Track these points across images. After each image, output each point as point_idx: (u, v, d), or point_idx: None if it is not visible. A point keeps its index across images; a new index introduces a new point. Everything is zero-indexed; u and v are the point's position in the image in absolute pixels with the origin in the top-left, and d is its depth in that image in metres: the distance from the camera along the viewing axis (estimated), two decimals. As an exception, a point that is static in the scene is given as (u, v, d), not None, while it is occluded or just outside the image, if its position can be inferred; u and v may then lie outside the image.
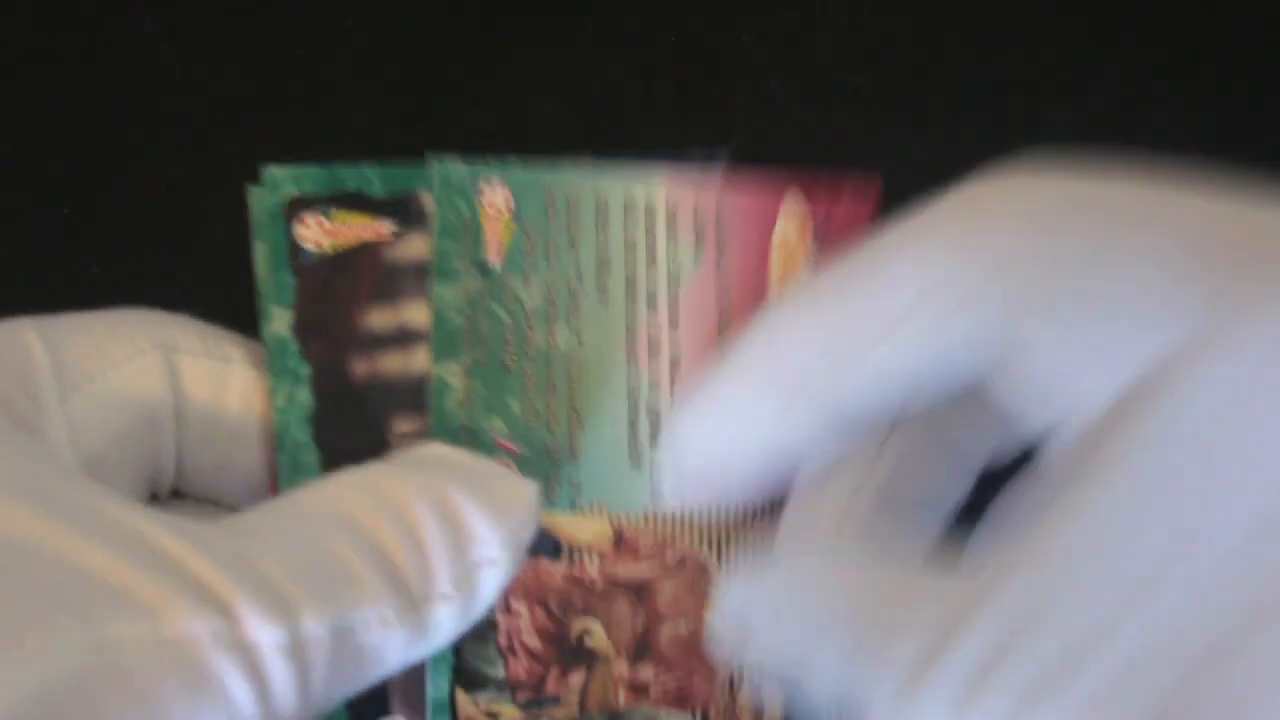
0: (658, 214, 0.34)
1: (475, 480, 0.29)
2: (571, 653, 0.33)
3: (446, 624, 0.28)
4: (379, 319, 0.33)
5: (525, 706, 0.33)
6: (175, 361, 0.31)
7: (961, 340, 0.25)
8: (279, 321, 0.32)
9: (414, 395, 0.33)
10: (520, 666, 0.33)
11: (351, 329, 0.32)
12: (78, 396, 0.29)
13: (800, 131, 0.37)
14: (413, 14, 0.38)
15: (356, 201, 0.33)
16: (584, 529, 0.33)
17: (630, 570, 0.33)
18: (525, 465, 0.33)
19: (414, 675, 0.32)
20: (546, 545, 0.32)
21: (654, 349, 0.34)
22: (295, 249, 0.32)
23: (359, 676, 0.27)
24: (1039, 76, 0.39)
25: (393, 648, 0.27)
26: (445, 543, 0.27)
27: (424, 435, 0.33)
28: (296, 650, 0.25)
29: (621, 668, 0.33)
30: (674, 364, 0.34)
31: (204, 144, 0.36)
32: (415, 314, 0.33)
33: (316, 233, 0.33)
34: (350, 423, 0.32)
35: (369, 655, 0.26)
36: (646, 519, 0.33)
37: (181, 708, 0.23)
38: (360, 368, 0.32)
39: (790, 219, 0.34)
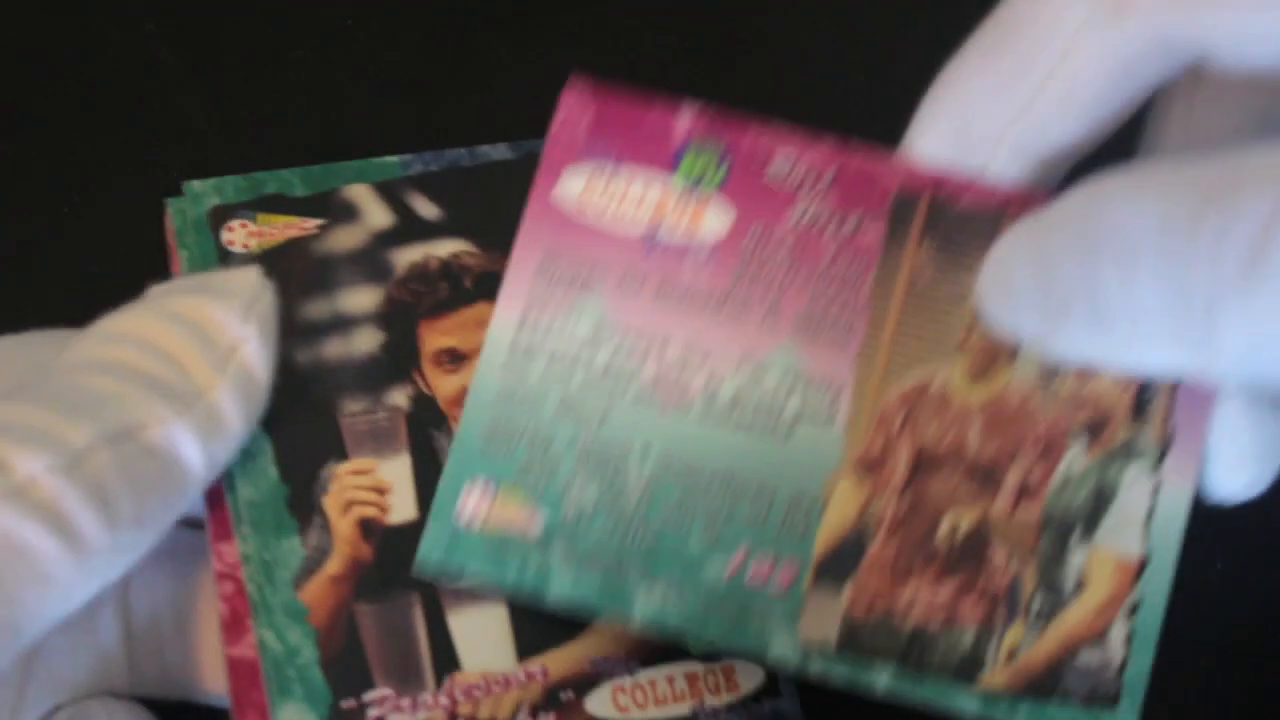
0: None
1: (194, 285, 0.29)
2: None
3: (228, 407, 0.28)
4: (315, 309, 0.32)
5: None
6: None
7: (1139, 41, 0.25)
8: (214, 324, 0.31)
9: (359, 377, 0.32)
10: None
11: (289, 321, 0.32)
12: None
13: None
14: (412, 14, 0.39)
15: (279, 203, 0.33)
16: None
17: None
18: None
19: (397, 644, 0.30)
20: None
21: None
22: (224, 254, 0.32)
23: (164, 482, 0.26)
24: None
25: (185, 444, 0.27)
26: (190, 340, 0.28)
27: (372, 413, 0.32)
28: (77, 466, 0.24)
29: None
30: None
31: (203, 144, 0.36)
32: (350, 301, 0.33)
33: (243, 236, 0.33)
34: (299, 410, 0.31)
35: (163, 456, 0.26)
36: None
37: None
38: (303, 356, 0.32)
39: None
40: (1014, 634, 0.29)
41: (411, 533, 0.30)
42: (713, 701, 0.31)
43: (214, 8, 0.38)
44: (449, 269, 0.33)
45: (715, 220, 0.30)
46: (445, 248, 0.33)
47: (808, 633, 0.29)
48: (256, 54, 0.38)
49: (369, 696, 0.30)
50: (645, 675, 0.31)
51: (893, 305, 0.30)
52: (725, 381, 0.29)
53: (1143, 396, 0.29)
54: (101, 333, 0.28)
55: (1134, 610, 0.28)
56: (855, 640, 0.29)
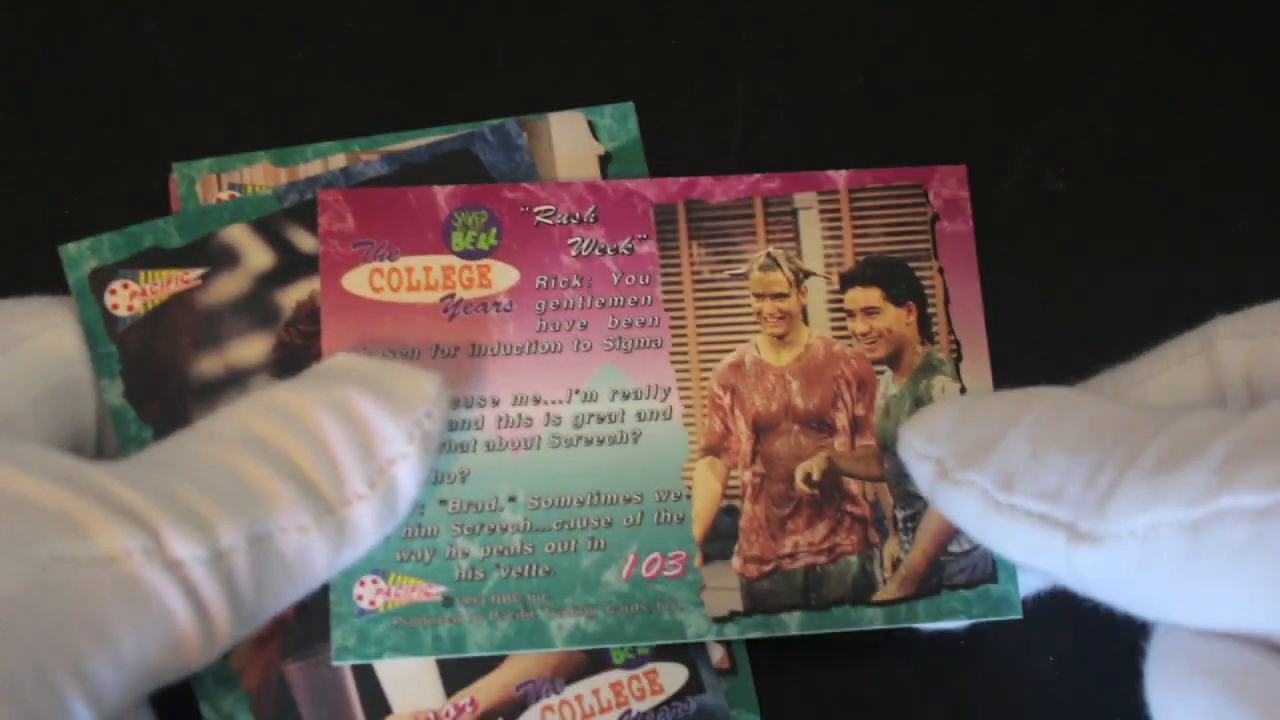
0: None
1: (375, 381, 0.29)
2: None
3: (367, 523, 0.29)
4: (208, 365, 0.32)
5: None
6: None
7: None
8: (111, 393, 0.32)
9: (260, 431, 0.32)
10: None
11: (183, 383, 0.32)
12: None
13: (800, 131, 0.37)
14: (412, 14, 0.38)
15: (158, 257, 0.33)
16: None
17: None
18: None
19: (328, 697, 0.32)
20: None
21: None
22: (110, 319, 0.32)
23: (289, 583, 0.28)
24: (1042, 76, 0.38)
25: (316, 551, 0.28)
26: (352, 445, 0.28)
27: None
28: (218, 561, 0.26)
29: None
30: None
31: (203, 143, 0.36)
32: (240, 352, 0.33)
33: (127, 298, 0.32)
34: (203, 474, 0.32)
35: (293, 560, 0.27)
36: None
37: (124, 618, 0.25)
38: (200, 416, 0.32)
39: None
40: (891, 548, 0.33)
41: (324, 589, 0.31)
42: (639, 706, 0.32)
43: (214, 8, 0.37)
44: (336, 304, 0.33)
45: (503, 276, 0.32)
46: (330, 281, 0.33)
47: (714, 609, 0.32)
48: (257, 54, 0.37)
49: (306, 753, 0.31)
50: (571, 691, 0.32)
51: (686, 303, 0.33)
52: (563, 412, 0.32)
53: (925, 323, 0.33)
54: (270, 402, 0.29)
55: None
56: (758, 599, 0.32)
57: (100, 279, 0.32)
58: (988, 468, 0.28)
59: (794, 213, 0.34)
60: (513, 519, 0.32)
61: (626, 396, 0.33)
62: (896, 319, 0.34)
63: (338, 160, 0.34)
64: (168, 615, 0.25)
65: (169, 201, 0.34)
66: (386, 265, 0.32)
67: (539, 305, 0.33)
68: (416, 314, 0.32)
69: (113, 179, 0.36)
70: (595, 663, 0.32)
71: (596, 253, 0.33)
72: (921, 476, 0.30)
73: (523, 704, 0.32)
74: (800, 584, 0.32)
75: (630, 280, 0.33)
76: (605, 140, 0.35)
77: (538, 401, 0.32)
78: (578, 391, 0.32)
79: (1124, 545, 0.25)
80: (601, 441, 0.32)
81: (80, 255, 0.32)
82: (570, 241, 0.33)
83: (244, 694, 0.31)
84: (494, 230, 0.33)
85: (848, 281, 0.34)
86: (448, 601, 0.31)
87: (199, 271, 0.33)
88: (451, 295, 0.32)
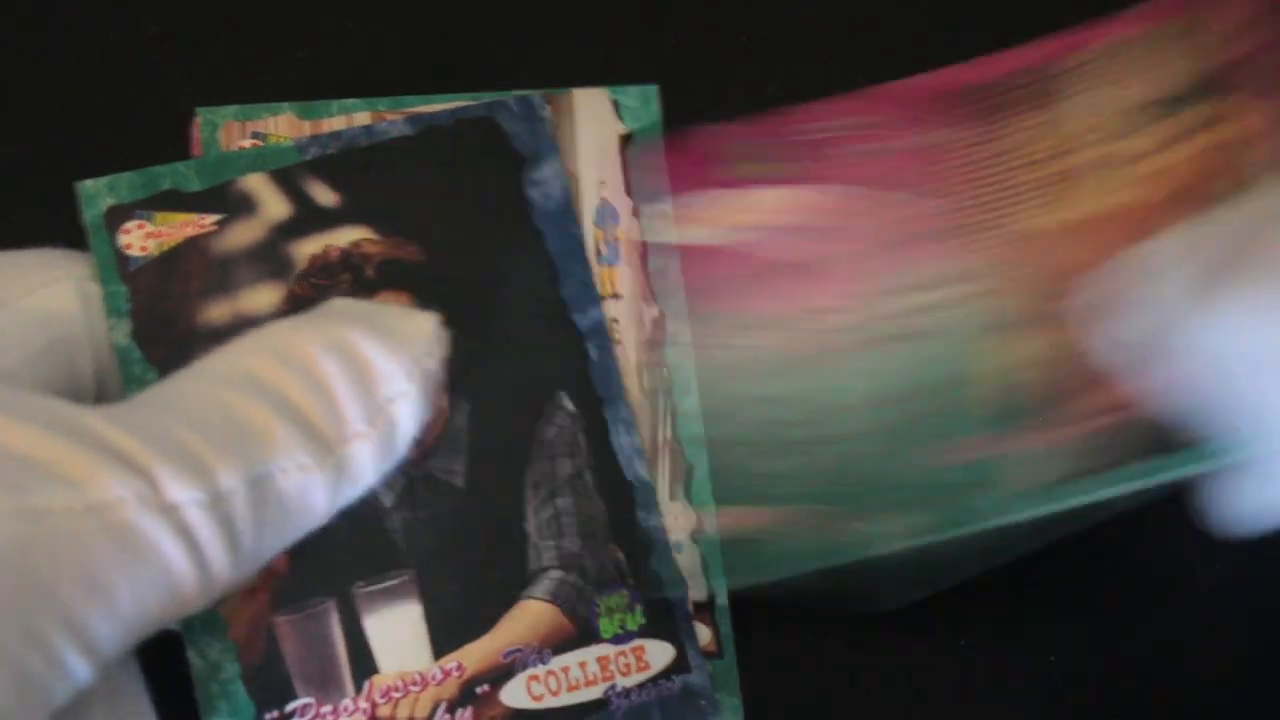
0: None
1: (373, 321, 0.29)
2: None
3: (367, 462, 0.28)
4: (217, 312, 0.32)
5: None
6: (89, 290, 0.31)
7: None
8: (119, 331, 0.31)
9: (265, 381, 0.32)
10: None
11: (191, 327, 0.32)
12: None
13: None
14: (413, 14, 0.38)
15: (176, 200, 0.32)
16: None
17: None
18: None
19: (316, 652, 0.32)
20: None
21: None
22: (122, 258, 0.32)
23: (289, 524, 0.27)
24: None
25: (316, 492, 0.27)
26: (351, 384, 0.28)
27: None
28: (217, 505, 0.26)
29: None
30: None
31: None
32: (252, 301, 0.32)
33: (140, 238, 0.32)
34: (205, 420, 0.32)
35: (293, 502, 0.27)
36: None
37: (118, 567, 0.24)
38: (206, 363, 0.32)
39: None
40: None
41: (323, 539, 0.31)
42: (624, 682, 0.32)
43: (215, 7, 0.37)
44: (349, 259, 0.33)
45: (810, 197, 0.32)
46: (345, 236, 0.33)
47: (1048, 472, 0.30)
48: (257, 54, 0.37)
49: (291, 707, 0.31)
50: (558, 662, 0.32)
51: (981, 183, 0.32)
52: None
53: None
54: (269, 343, 0.28)
55: None
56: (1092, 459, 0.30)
57: (115, 217, 0.32)
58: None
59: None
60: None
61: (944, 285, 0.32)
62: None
63: (362, 118, 0.34)
64: (163, 562, 0.25)
65: (190, 146, 0.34)
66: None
67: (853, 215, 0.32)
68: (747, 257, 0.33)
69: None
70: (584, 635, 0.32)
71: (890, 153, 0.33)
72: None
73: (509, 671, 0.32)
74: (1139, 434, 0.29)
75: (918, 171, 0.33)
76: (628, 121, 0.35)
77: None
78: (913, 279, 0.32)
79: None
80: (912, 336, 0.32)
81: (97, 192, 0.32)
82: (861, 154, 0.33)
83: (231, 643, 0.31)
84: (782, 160, 0.33)
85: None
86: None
87: (215, 217, 0.33)
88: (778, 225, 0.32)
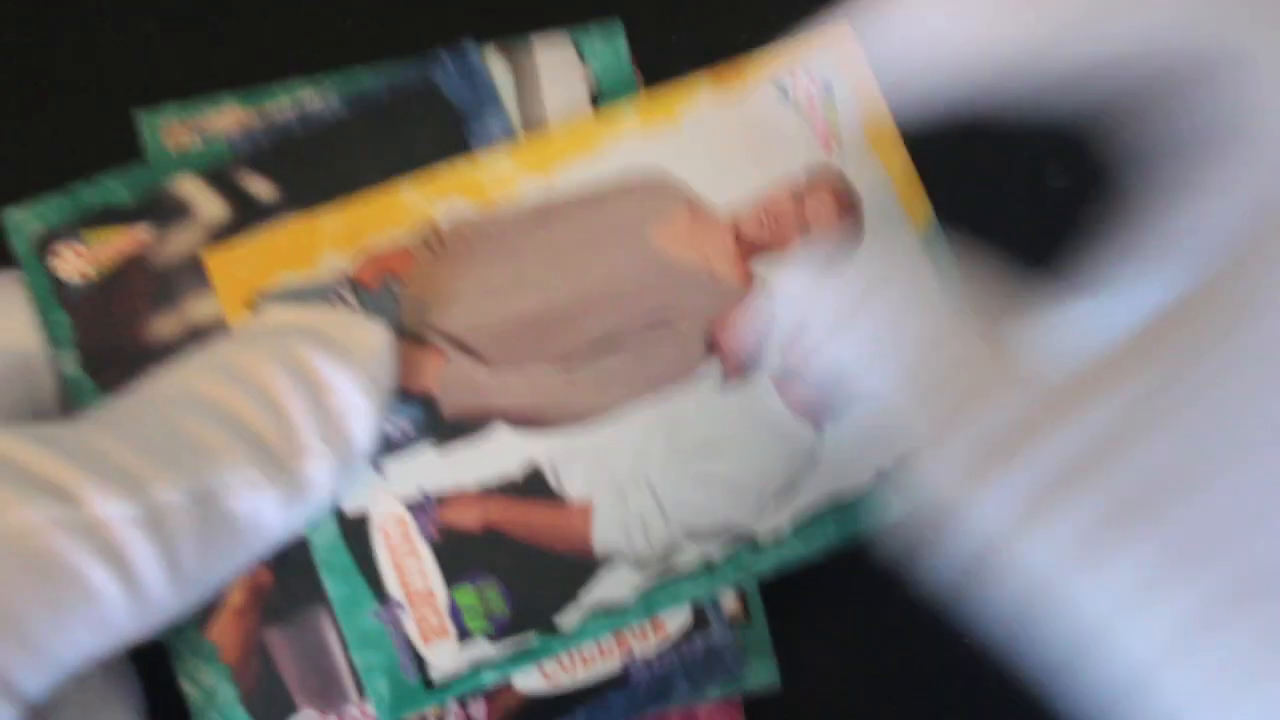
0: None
1: (324, 332, 0.28)
2: None
3: (322, 478, 0.27)
4: (165, 327, 0.31)
5: None
6: None
7: (1172, 23, 0.24)
8: (66, 362, 0.30)
9: (225, 391, 0.31)
10: None
11: (141, 346, 0.31)
12: None
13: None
14: (413, 14, 0.37)
15: (106, 216, 0.31)
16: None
17: None
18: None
19: (313, 663, 0.30)
20: None
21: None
22: (59, 285, 0.31)
23: (237, 545, 0.26)
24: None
25: (268, 511, 0.26)
26: (303, 399, 0.27)
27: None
28: (153, 520, 0.24)
29: None
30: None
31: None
32: (199, 310, 0.31)
33: (75, 262, 0.31)
34: (168, 440, 0.30)
35: (242, 521, 0.26)
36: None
37: (32, 599, 0.23)
38: (161, 381, 0.30)
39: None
40: None
41: (305, 545, 0.30)
42: (642, 650, 0.31)
43: (215, 7, 0.36)
44: (296, 253, 0.31)
45: None
46: (288, 230, 0.31)
47: None
48: (256, 53, 0.35)
49: (295, 722, 0.30)
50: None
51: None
52: None
53: None
54: (216, 361, 0.27)
55: None
56: None
57: (46, 243, 0.31)
58: None
59: None
60: None
61: None
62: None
63: (313, 101, 0.32)
64: (88, 587, 0.24)
65: (138, 152, 0.33)
66: None
67: None
68: None
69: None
70: (593, 610, 0.31)
71: None
72: None
73: None
74: None
75: None
76: (599, 76, 0.33)
77: None
78: None
79: None
80: None
81: (25, 220, 0.31)
82: None
83: (224, 667, 0.30)
84: None
85: None
86: None
87: (150, 229, 0.31)
88: None
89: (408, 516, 0.30)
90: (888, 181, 0.32)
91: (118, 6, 0.35)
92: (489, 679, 0.30)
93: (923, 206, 0.32)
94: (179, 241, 0.31)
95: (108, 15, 0.35)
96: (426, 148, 0.32)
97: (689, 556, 0.30)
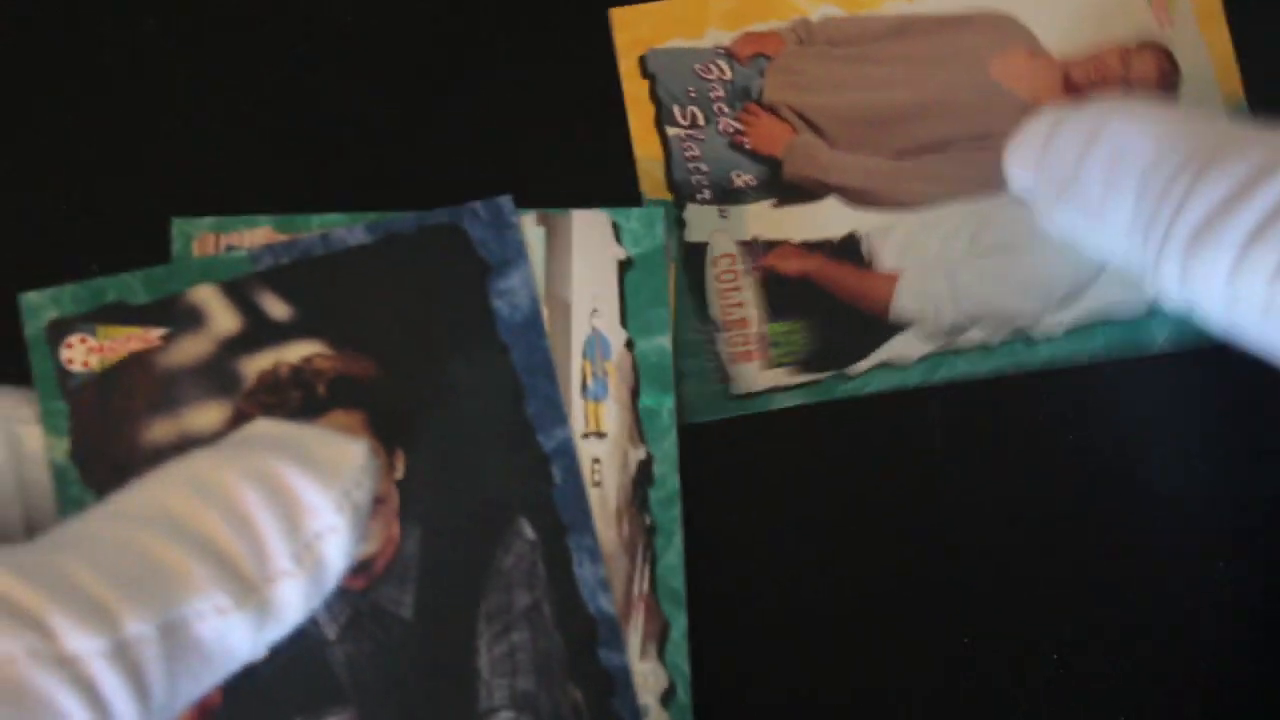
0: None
1: (299, 449, 0.27)
2: None
3: (294, 600, 0.26)
4: (160, 431, 0.31)
5: None
6: (18, 433, 0.30)
7: None
8: (56, 450, 0.30)
9: (207, 504, 0.31)
10: None
11: (132, 447, 0.31)
12: None
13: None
14: (413, 14, 0.37)
15: (120, 313, 0.31)
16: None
17: None
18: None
19: None
20: None
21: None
22: (63, 374, 0.31)
23: (207, 669, 0.25)
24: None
25: (237, 634, 0.25)
26: (276, 518, 0.26)
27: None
28: (123, 654, 0.24)
29: None
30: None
31: (203, 141, 0.35)
32: (197, 420, 0.31)
33: (83, 353, 0.31)
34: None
35: (212, 646, 0.25)
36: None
37: None
38: (146, 485, 0.30)
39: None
40: None
41: (259, 671, 0.30)
42: None
43: (215, 7, 0.36)
44: (300, 376, 0.31)
45: None
46: (296, 351, 0.32)
47: None
48: (256, 53, 0.36)
49: None
50: None
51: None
52: None
53: None
54: (189, 476, 0.27)
55: None
56: None
57: (58, 331, 0.31)
58: (1071, 204, 0.29)
59: None
60: None
61: None
62: None
63: (342, 232, 0.32)
64: (58, 714, 0.23)
65: (165, 254, 0.33)
66: None
67: None
68: None
69: (111, 180, 0.34)
70: None
71: None
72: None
73: None
74: None
75: None
76: (629, 245, 0.33)
77: None
78: None
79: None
80: None
81: (41, 305, 0.31)
82: None
83: None
84: None
85: None
86: None
87: (161, 331, 0.31)
88: None
89: (739, 253, 0.34)
90: (1208, 63, 0.36)
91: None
92: (780, 403, 0.34)
93: (1235, 89, 0.36)
94: (188, 348, 0.31)
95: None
96: (448, 289, 0.32)
97: (971, 336, 0.35)
